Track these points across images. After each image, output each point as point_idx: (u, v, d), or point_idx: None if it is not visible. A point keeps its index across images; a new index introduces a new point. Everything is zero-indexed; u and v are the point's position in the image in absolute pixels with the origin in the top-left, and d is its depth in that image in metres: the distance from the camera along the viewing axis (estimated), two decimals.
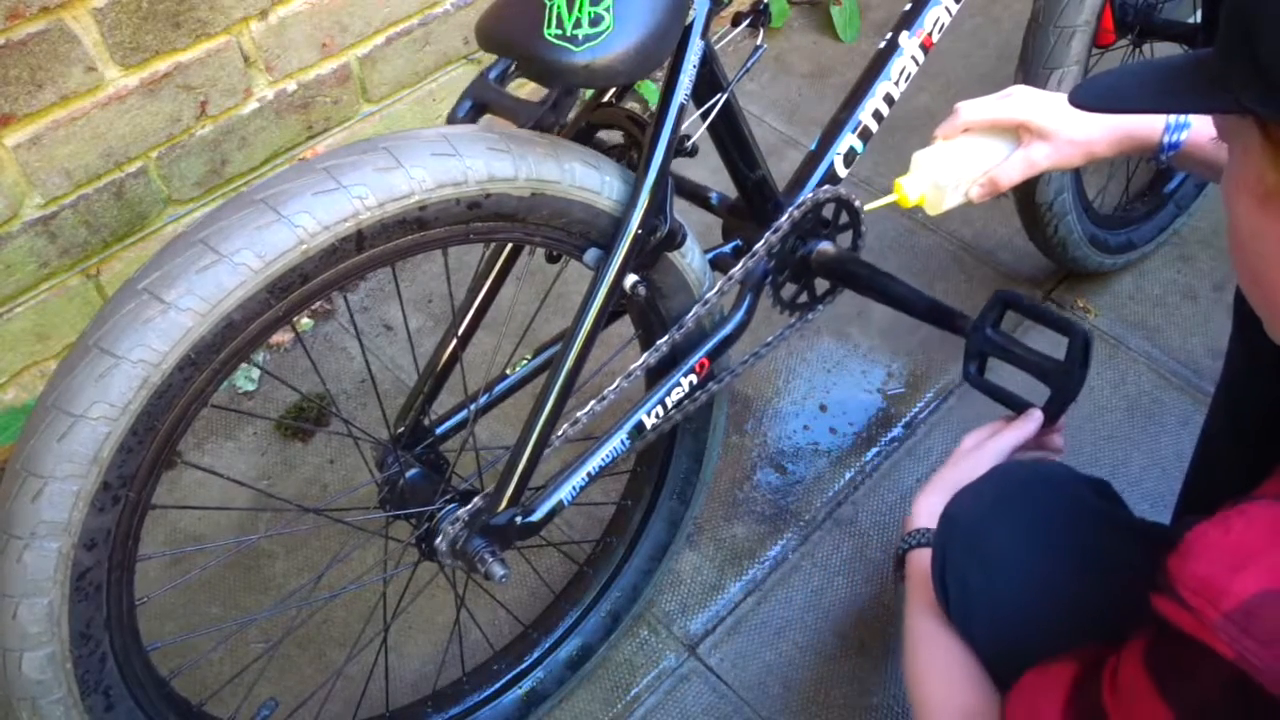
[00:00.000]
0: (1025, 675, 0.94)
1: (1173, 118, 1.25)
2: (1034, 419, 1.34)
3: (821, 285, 1.55)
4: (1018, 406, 1.38)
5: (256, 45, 1.77)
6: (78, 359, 0.91)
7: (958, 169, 1.32)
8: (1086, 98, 0.86)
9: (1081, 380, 1.34)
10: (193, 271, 0.91)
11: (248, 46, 1.76)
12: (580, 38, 1.03)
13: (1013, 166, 1.30)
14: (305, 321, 2.07)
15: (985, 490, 1.14)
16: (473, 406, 1.38)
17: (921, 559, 1.19)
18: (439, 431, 1.38)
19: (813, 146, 1.48)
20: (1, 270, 1.66)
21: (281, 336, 2.01)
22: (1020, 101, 1.30)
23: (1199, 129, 1.26)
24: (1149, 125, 1.27)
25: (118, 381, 0.90)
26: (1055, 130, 1.28)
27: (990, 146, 1.32)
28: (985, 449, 1.31)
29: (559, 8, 1.04)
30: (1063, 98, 1.31)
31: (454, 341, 1.34)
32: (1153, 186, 2.11)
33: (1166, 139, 1.26)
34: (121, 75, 1.64)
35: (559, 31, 1.04)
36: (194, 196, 1.86)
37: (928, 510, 1.24)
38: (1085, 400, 1.92)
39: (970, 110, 1.33)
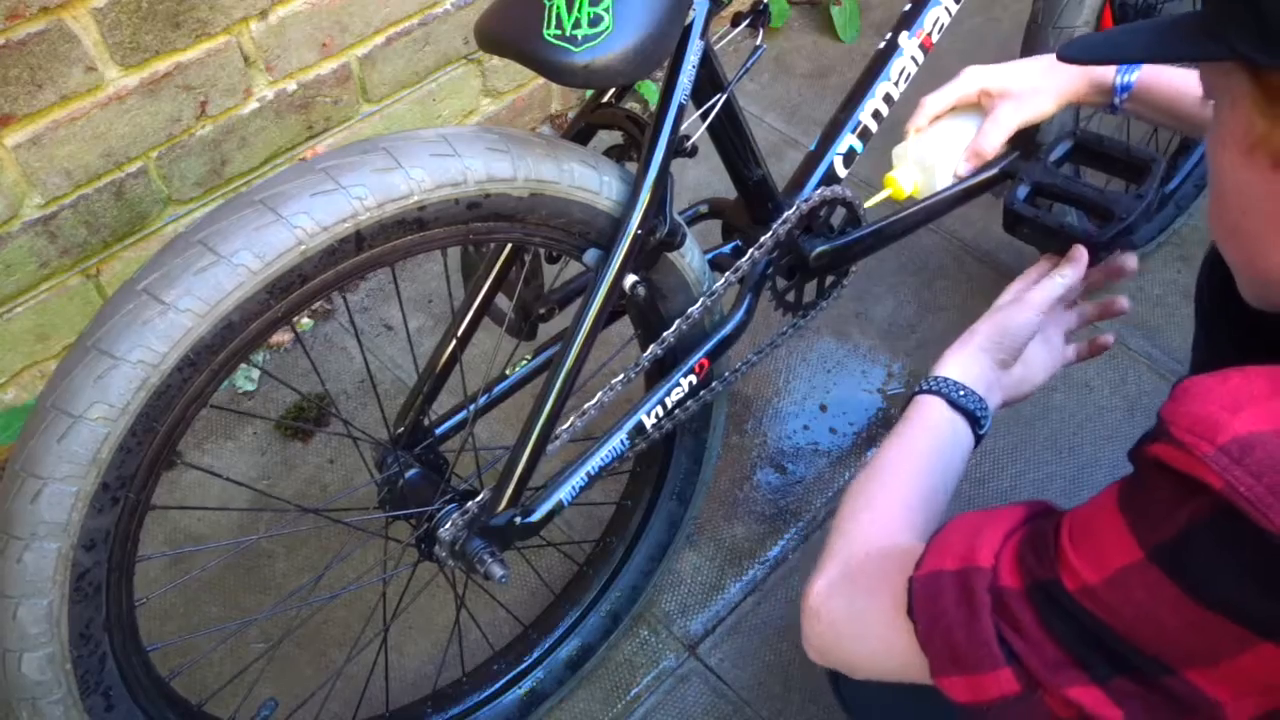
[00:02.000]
0: (958, 515, 0.91)
1: None
2: (1079, 259, 1.23)
3: (820, 286, 1.55)
4: (1066, 243, 1.26)
5: (256, 45, 1.77)
6: (77, 360, 0.91)
7: (938, 152, 1.36)
8: (1077, 51, 0.88)
9: (1150, 215, 1.26)
10: (192, 272, 0.91)
11: (248, 46, 1.76)
12: (580, 38, 1.03)
13: (989, 132, 1.34)
14: (305, 321, 2.07)
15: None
16: (472, 407, 1.38)
17: (929, 405, 1.13)
18: (438, 432, 1.38)
19: (812, 146, 1.48)
20: (1, 270, 1.66)
21: (281, 336, 2.01)
22: (973, 74, 1.37)
23: (1150, 70, 1.30)
24: (1102, 68, 1.31)
25: (117, 382, 0.90)
26: (1013, 87, 1.34)
27: (961, 125, 1.37)
28: (1027, 301, 1.21)
29: (558, 8, 1.04)
30: (1013, 64, 1.37)
31: (453, 342, 1.34)
32: None
33: (1119, 79, 1.31)
34: (121, 75, 1.64)
35: (558, 32, 1.03)
36: (194, 196, 1.85)
37: (957, 365, 1.16)
38: (1085, 400, 1.92)
39: (934, 99, 1.38)
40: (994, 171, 1.46)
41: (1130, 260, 1.27)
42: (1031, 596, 0.79)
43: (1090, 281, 1.27)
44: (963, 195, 1.48)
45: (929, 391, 1.14)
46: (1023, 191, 1.31)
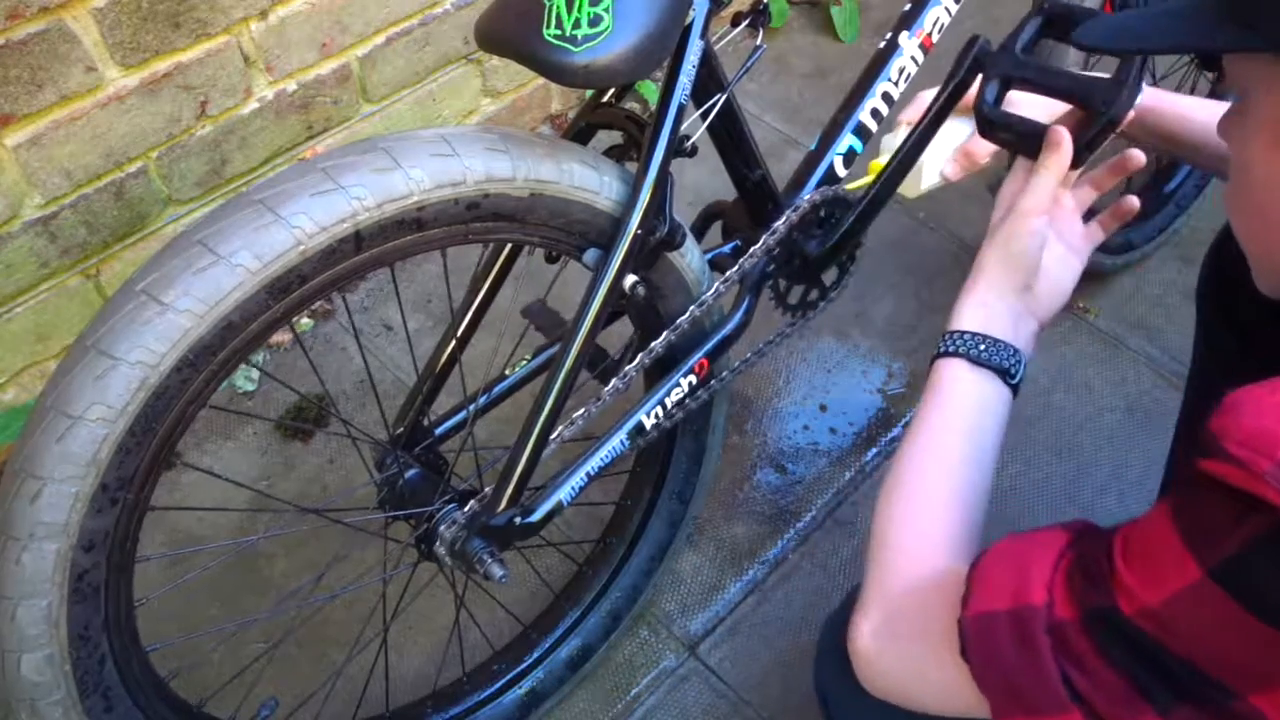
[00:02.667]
0: (999, 542, 0.86)
1: None
2: (1059, 141, 1.10)
3: (820, 286, 1.54)
4: (1037, 138, 1.13)
5: (256, 45, 1.77)
6: (76, 360, 0.91)
7: (928, 150, 1.33)
8: (1096, 38, 0.86)
9: (1132, 101, 1.13)
10: (191, 273, 0.91)
11: (248, 46, 1.76)
12: (579, 38, 1.03)
13: (982, 138, 1.30)
14: (305, 321, 2.07)
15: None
16: (471, 407, 1.38)
17: (950, 371, 1.04)
18: (438, 432, 1.38)
19: (812, 146, 1.48)
20: (1, 270, 1.66)
21: (282, 336, 2.01)
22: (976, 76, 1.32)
23: (1151, 93, 1.26)
24: None
25: (116, 383, 0.90)
26: (1017, 96, 1.28)
27: (956, 125, 1.34)
28: (1023, 209, 1.08)
29: (558, 8, 1.04)
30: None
31: (453, 342, 1.34)
32: (1152, 186, 2.11)
33: None
34: (121, 75, 1.64)
35: (558, 32, 1.03)
36: (194, 196, 1.85)
37: (973, 313, 1.06)
38: (1085, 400, 1.92)
39: (931, 95, 1.34)
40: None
41: (1131, 201, 1.18)
42: (1088, 625, 0.75)
43: (1095, 182, 1.18)
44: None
45: (947, 354, 1.05)
46: (992, 92, 1.19)
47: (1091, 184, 1.18)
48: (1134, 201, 1.17)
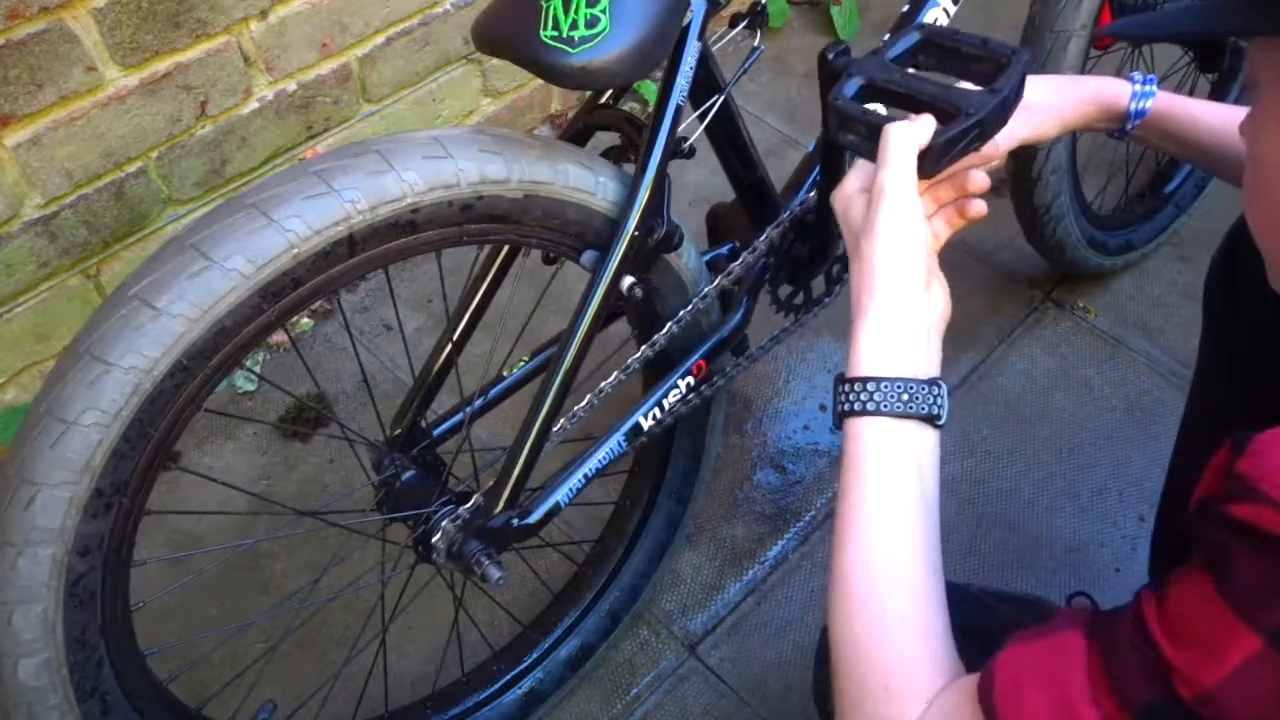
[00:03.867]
0: (1003, 653, 0.75)
1: (1139, 85, 1.24)
2: (919, 119, 0.95)
3: (818, 287, 1.54)
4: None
5: (256, 45, 1.77)
6: (69, 365, 0.91)
7: None
8: (1128, 29, 0.84)
9: (1006, 112, 1.01)
10: (184, 277, 0.91)
11: (248, 46, 1.76)
12: (576, 39, 1.03)
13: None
14: (305, 322, 2.07)
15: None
16: (468, 409, 1.38)
17: (869, 436, 0.86)
18: (436, 433, 1.38)
19: (810, 148, 1.48)
20: (1, 270, 1.66)
21: (283, 336, 2.01)
22: None
23: (1163, 96, 1.24)
24: (1116, 91, 1.25)
25: (109, 388, 0.90)
26: (1028, 100, 1.27)
27: None
28: (888, 185, 0.91)
29: (555, 9, 1.03)
30: (1029, 78, 1.29)
31: (450, 343, 1.34)
32: (1152, 187, 2.10)
33: (1133, 105, 1.24)
34: (121, 75, 1.63)
35: (555, 33, 1.03)
36: (194, 197, 1.85)
37: (877, 349, 0.88)
38: (1085, 400, 1.92)
39: None
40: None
41: (979, 205, 1.02)
42: None
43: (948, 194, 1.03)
44: None
45: (864, 413, 0.87)
46: (851, 87, 1.04)
47: (932, 197, 1.02)
48: (982, 205, 1.02)
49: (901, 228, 0.90)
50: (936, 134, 0.95)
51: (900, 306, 0.89)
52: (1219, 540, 0.66)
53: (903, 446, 0.86)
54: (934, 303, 0.93)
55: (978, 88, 1.01)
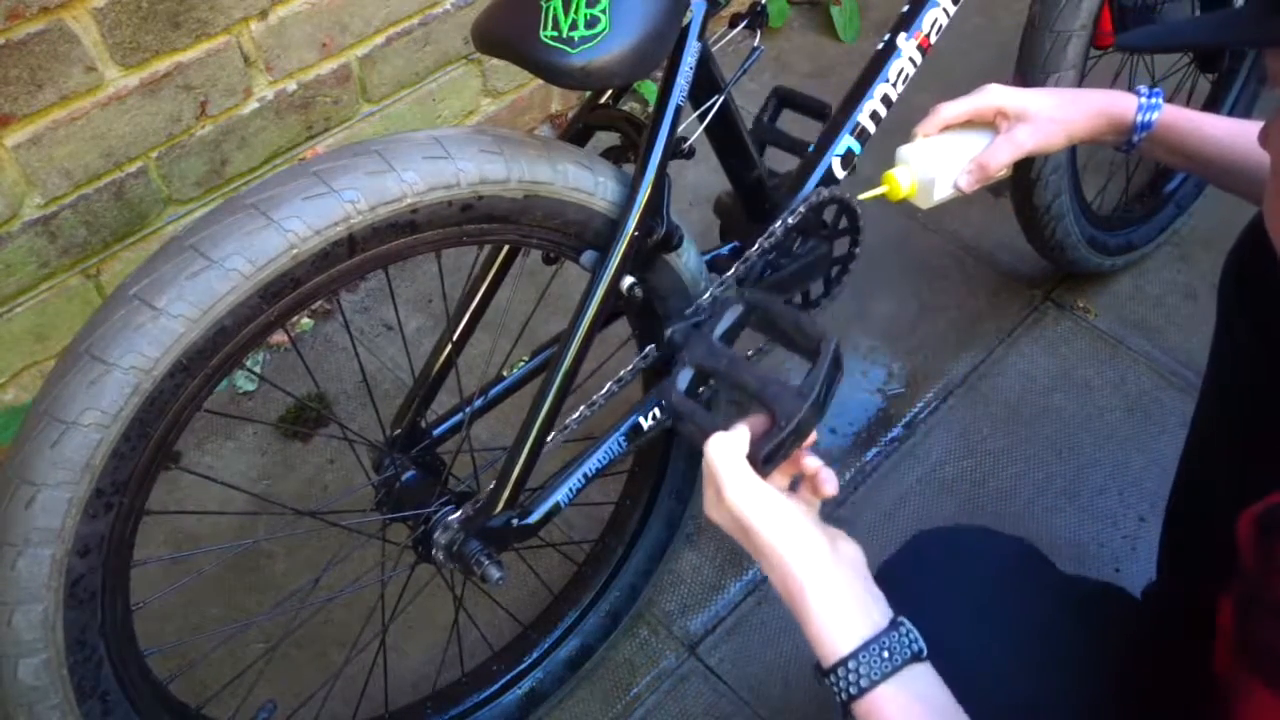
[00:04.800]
0: None
1: (1144, 99, 1.25)
2: (740, 431, 1.00)
3: (817, 288, 1.54)
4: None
5: (256, 45, 1.77)
6: (69, 366, 0.91)
7: (942, 161, 1.32)
8: (1137, 40, 0.84)
9: (815, 417, 1.03)
10: (184, 277, 0.91)
11: (248, 46, 1.76)
12: (576, 40, 1.03)
13: (999, 149, 1.29)
14: (305, 321, 2.07)
15: (903, 570, 1.02)
16: (468, 409, 1.38)
17: (880, 705, 0.85)
18: (436, 434, 1.38)
19: (810, 148, 1.48)
20: (1, 270, 1.66)
21: (283, 336, 2.01)
22: (993, 92, 1.31)
23: (1169, 109, 1.25)
24: (1122, 105, 1.26)
25: (109, 388, 0.90)
26: (1034, 111, 1.28)
27: (971, 138, 1.33)
28: (733, 493, 0.95)
29: (555, 9, 1.03)
30: (1035, 90, 1.31)
31: (450, 343, 1.34)
32: (1152, 187, 2.11)
33: (1139, 118, 1.25)
34: (121, 75, 1.64)
35: (555, 33, 1.03)
36: (194, 197, 1.85)
37: (832, 622, 0.89)
38: (1085, 400, 1.92)
39: (949, 107, 1.33)
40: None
41: (830, 483, 1.01)
42: None
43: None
44: None
45: (861, 694, 0.86)
46: (684, 379, 1.13)
47: (782, 473, 1.04)
48: (832, 484, 1.01)
49: (776, 523, 0.93)
50: (756, 446, 0.99)
51: (827, 579, 0.91)
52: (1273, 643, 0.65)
53: (910, 697, 0.86)
54: (848, 553, 0.94)
55: (794, 382, 1.05)
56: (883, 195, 1.35)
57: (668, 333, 1.25)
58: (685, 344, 1.16)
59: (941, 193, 1.33)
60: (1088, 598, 1.09)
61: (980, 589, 1.02)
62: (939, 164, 1.31)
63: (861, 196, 1.42)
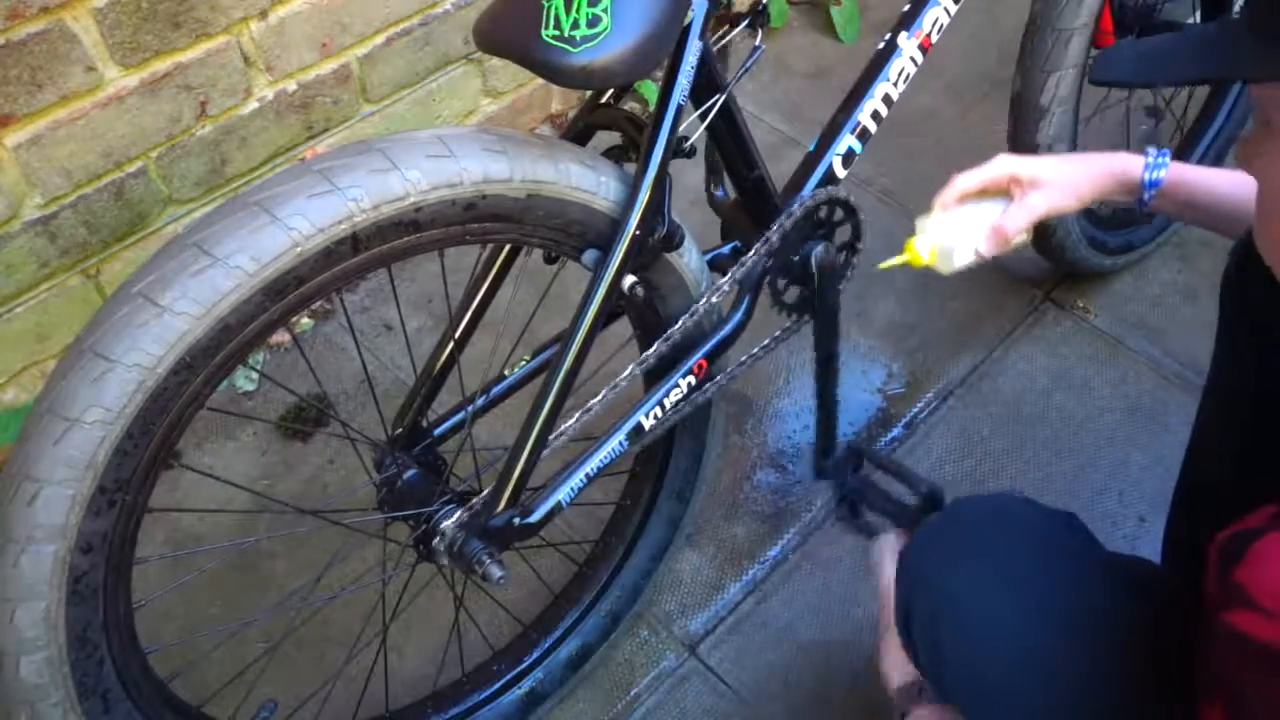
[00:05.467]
0: None
1: (1151, 156, 1.28)
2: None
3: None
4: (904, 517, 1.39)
5: (256, 45, 1.77)
6: (72, 363, 0.91)
7: (961, 230, 1.35)
8: (1115, 74, 0.83)
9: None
10: (187, 275, 0.91)
11: (248, 46, 1.76)
12: (578, 39, 1.03)
13: (1015, 214, 1.32)
14: (305, 321, 2.07)
15: (943, 538, 1.09)
16: (470, 408, 1.38)
17: None
18: (437, 433, 1.38)
19: (811, 147, 1.48)
20: (2, 270, 1.66)
21: (283, 335, 2.01)
22: (1005, 161, 1.34)
23: (1176, 166, 1.27)
24: (1129, 165, 1.29)
25: (112, 385, 0.90)
26: (1046, 177, 1.31)
27: (987, 207, 1.35)
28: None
29: (556, 8, 1.04)
30: (1045, 157, 1.36)
31: (452, 342, 1.34)
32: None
33: (1148, 176, 1.28)
34: (121, 75, 1.64)
35: (556, 33, 1.03)
36: (194, 196, 1.86)
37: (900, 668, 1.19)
38: (1085, 400, 1.92)
39: (964, 179, 1.35)
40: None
41: None
42: None
43: None
44: None
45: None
46: (843, 511, 1.51)
47: None
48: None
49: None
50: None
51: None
52: (1228, 668, 0.68)
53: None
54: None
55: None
56: (905, 263, 1.39)
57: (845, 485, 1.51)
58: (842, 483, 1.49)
59: (962, 259, 1.35)
60: (1129, 571, 1.11)
61: (1022, 557, 1.04)
62: (958, 232, 1.34)
63: (883, 265, 1.43)
